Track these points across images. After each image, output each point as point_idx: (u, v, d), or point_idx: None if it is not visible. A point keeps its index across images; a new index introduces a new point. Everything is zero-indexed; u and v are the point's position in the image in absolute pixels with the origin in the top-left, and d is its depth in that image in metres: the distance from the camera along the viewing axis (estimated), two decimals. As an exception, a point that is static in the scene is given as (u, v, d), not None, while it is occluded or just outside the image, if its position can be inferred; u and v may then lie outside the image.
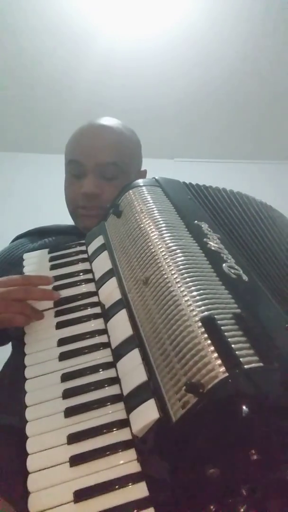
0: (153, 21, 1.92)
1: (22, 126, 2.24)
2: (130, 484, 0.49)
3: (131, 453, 0.51)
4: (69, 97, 2.13)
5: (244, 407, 0.44)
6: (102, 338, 0.64)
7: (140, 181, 0.78)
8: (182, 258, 0.59)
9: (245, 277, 0.58)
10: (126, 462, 0.51)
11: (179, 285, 0.55)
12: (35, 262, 0.78)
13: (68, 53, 2.02)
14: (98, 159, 0.90)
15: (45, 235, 0.94)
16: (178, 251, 0.60)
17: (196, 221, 0.67)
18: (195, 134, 2.30)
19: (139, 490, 0.49)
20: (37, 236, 0.95)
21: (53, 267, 0.76)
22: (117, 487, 0.49)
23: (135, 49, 2.00)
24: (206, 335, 0.48)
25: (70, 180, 0.95)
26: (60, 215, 1.02)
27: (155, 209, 0.69)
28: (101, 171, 0.91)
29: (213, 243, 0.63)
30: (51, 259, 0.78)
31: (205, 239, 0.63)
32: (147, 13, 1.89)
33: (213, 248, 0.62)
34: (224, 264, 0.59)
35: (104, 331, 0.65)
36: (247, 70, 2.08)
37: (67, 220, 1.03)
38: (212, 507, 0.45)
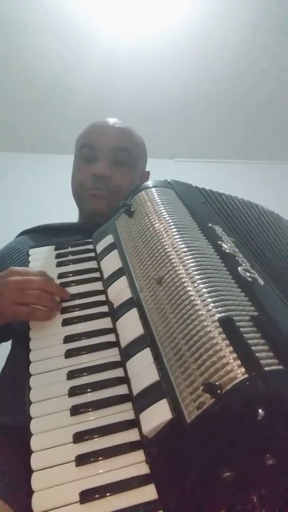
0: (152, 20, 1.91)
1: (25, 126, 2.22)
2: (138, 486, 0.48)
3: (140, 455, 0.50)
4: (70, 97, 2.12)
5: (262, 410, 0.43)
6: (109, 337, 0.63)
7: (152, 183, 0.77)
8: (198, 258, 0.58)
9: (260, 281, 0.57)
10: (134, 464, 0.50)
11: (195, 285, 0.54)
12: (41, 258, 0.77)
13: (70, 52, 2.01)
14: (112, 143, 0.93)
15: (51, 233, 0.93)
16: (193, 251, 0.59)
17: (210, 224, 0.66)
18: (195, 134, 2.29)
19: (148, 492, 0.47)
20: (43, 234, 0.93)
21: (59, 264, 0.75)
22: (124, 488, 0.48)
23: (135, 49, 2.00)
24: (224, 336, 0.47)
25: (80, 165, 0.96)
26: (65, 216, 1.01)
27: (169, 210, 0.68)
28: (114, 155, 0.93)
29: (228, 246, 0.62)
30: (58, 256, 0.77)
31: (219, 242, 0.62)
32: (147, 12, 1.89)
33: (227, 251, 0.61)
34: (239, 267, 0.58)
35: (111, 330, 0.64)
36: (247, 69, 2.06)
37: (72, 220, 1.02)
38: (223, 512, 0.44)
